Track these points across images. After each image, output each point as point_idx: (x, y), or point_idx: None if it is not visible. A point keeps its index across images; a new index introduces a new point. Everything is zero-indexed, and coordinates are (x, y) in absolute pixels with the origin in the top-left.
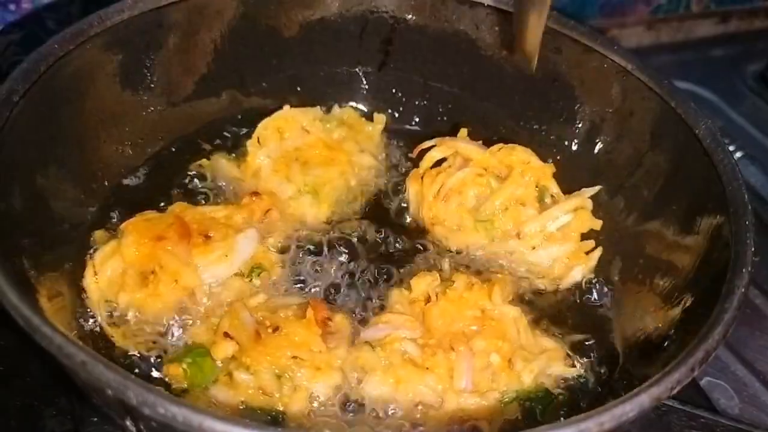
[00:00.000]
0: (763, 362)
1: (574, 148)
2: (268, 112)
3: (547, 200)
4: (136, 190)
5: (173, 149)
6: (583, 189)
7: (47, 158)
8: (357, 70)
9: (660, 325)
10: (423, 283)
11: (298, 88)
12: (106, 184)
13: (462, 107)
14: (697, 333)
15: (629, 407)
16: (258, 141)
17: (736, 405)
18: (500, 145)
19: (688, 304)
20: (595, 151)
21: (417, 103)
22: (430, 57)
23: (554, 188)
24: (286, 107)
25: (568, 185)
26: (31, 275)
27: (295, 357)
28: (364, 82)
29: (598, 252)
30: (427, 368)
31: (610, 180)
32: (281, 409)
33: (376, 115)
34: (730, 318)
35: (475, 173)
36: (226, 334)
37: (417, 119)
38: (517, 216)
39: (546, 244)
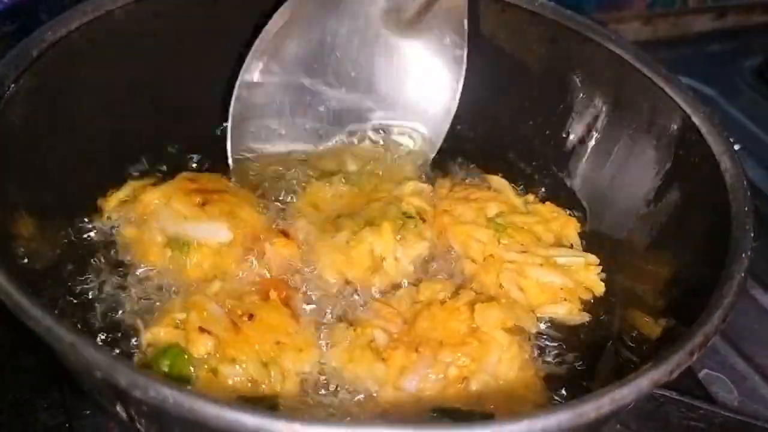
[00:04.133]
0: (762, 355)
1: (572, 138)
2: None
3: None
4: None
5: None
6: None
7: (40, 145)
8: None
9: (658, 310)
10: (432, 289)
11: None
12: (102, 169)
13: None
14: (696, 318)
15: (627, 391)
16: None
17: (735, 398)
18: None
19: (687, 289)
20: (592, 141)
21: None
22: None
23: (575, 239)
24: (313, 182)
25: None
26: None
27: (278, 342)
28: None
29: (586, 317)
30: (383, 359)
31: (610, 167)
32: (274, 394)
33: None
34: (729, 303)
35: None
36: (202, 329)
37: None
38: (528, 238)
39: (549, 269)
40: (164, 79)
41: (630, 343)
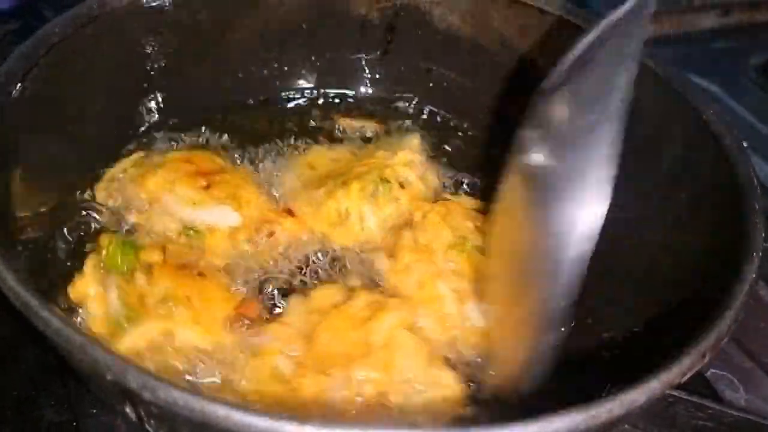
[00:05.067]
0: None
1: None
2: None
3: None
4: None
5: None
6: None
7: (46, 142)
8: (360, 57)
9: (669, 311)
10: (324, 296)
11: (299, 80)
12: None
13: (465, 95)
14: (707, 319)
15: (639, 393)
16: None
17: (742, 396)
18: None
19: (696, 290)
20: None
21: (420, 91)
22: (434, 45)
23: None
24: (315, 146)
25: None
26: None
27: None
28: (367, 71)
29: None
30: (293, 389)
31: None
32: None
33: (409, 136)
34: (741, 303)
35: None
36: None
37: (421, 107)
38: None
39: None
40: (168, 76)
41: (639, 346)
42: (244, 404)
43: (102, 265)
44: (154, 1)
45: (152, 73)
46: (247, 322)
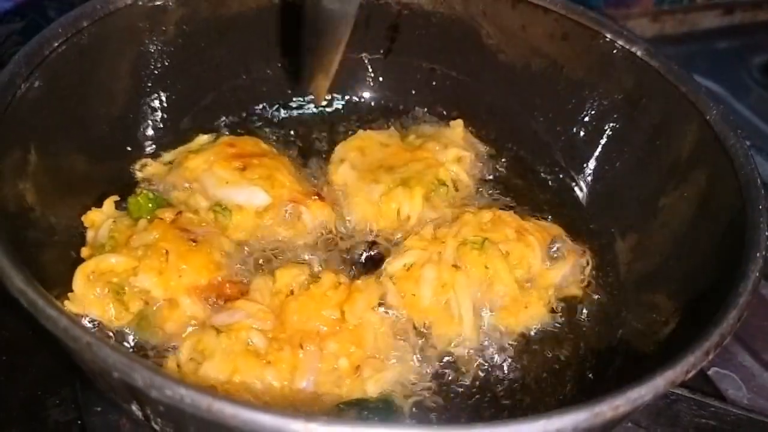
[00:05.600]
0: None
1: (582, 134)
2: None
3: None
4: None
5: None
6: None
7: (50, 143)
8: (363, 57)
9: (673, 310)
10: (288, 275)
11: (289, 68)
12: (111, 167)
13: (468, 95)
14: (711, 317)
15: (644, 390)
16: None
17: (745, 395)
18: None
19: (700, 289)
20: (603, 138)
21: (423, 90)
22: (437, 44)
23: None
24: (360, 131)
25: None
26: (35, 259)
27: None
28: (370, 70)
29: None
30: (269, 362)
31: (622, 164)
32: None
33: (452, 122)
34: (745, 302)
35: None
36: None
37: (423, 107)
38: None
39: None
40: (173, 74)
41: (643, 343)
42: (252, 402)
43: (126, 207)
44: (158, 0)
45: (157, 72)
46: (218, 300)
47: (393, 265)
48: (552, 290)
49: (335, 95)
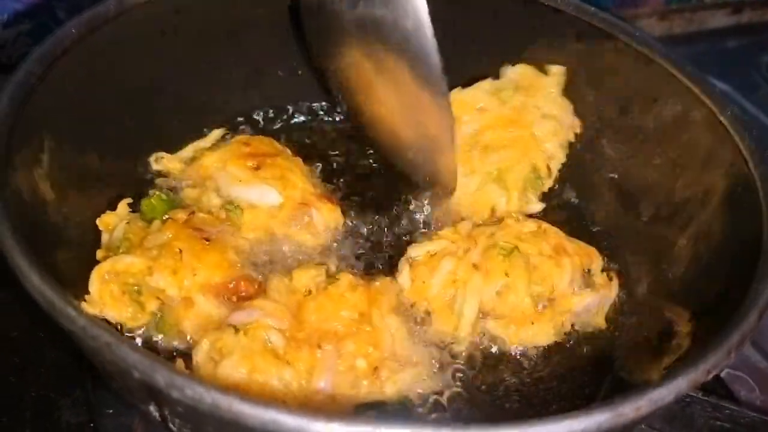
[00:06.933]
0: None
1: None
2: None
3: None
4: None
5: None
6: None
7: (64, 142)
8: None
9: (693, 310)
10: (306, 276)
11: (300, 71)
12: (125, 168)
13: None
14: (730, 317)
15: (666, 391)
16: None
17: (758, 397)
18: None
19: (720, 289)
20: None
21: None
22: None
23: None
24: (456, 90)
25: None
26: (52, 258)
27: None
28: None
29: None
30: (288, 362)
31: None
32: None
33: (551, 67)
34: (765, 301)
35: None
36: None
37: None
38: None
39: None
40: (186, 74)
41: (664, 345)
42: (272, 402)
43: (141, 209)
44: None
45: (169, 72)
46: (232, 298)
47: (416, 249)
48: (568, 316)
49: None
